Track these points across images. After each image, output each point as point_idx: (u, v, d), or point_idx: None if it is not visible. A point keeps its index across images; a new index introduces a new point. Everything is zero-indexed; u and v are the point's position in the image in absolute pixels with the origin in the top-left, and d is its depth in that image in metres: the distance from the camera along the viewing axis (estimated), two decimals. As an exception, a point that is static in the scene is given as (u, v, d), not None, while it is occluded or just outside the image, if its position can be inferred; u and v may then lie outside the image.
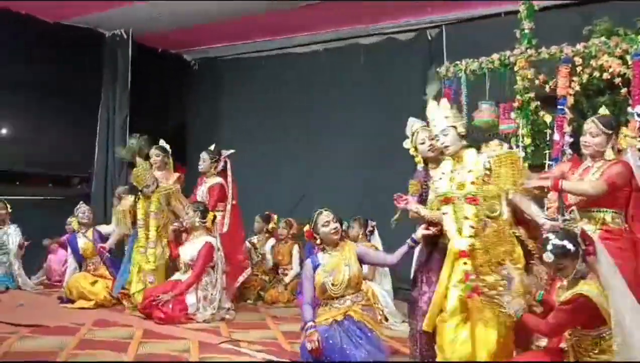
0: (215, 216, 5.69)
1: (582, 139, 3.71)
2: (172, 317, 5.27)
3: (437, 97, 4.19)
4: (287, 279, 6.57)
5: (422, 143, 4.16)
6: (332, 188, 7.31)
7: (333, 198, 7.07)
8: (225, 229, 5.94)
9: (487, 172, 3.56)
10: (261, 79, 8.12)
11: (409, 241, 3.84)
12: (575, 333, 3.10)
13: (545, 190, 3.65)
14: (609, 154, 3.58)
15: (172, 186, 6.00)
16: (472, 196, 3.54)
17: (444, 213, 3.66)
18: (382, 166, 6.95)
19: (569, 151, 4.77)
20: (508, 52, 5.16)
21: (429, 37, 6.83)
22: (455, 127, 3.74)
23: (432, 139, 4.05)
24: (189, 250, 5.59)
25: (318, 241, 3.99)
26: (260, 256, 6.79)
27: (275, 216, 6.97)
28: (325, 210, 4.00)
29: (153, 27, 7.64)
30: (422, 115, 6.63)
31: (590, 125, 3.66)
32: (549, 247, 3.09)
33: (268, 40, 7.97)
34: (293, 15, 7.08)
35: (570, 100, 4.82)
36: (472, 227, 3.50)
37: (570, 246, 3.05)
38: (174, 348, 4.50)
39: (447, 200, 3.64)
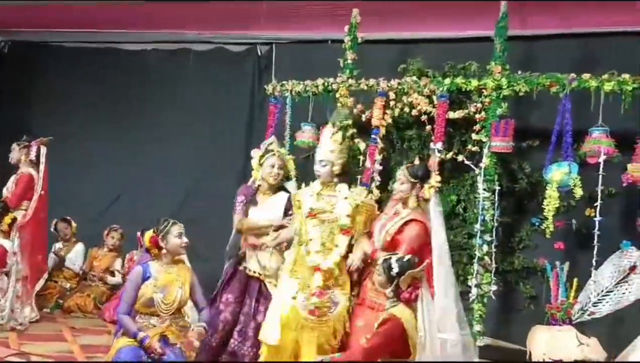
0: (14, 219, 5.20)
1: (394, 186, 4.06)
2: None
3: (340, 127, 4.30)
4: (110, 280, 6.26)
5: (271, 167, 4.33)
6: (151, 193, 7.08)
7: (151, 202, 6.87)
8: (23, 221, 5.45)
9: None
10: (84, 72, 7.58)
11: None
12: None
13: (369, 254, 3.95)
14: (412, 202, 3.90)
15: None
16: (347, 228, 3.84)
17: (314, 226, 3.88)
18: (206, 174, 6.89)
19: (377, 178, 5.11)
20: (331, 79, 5.41)
21: (259, 53, 6.93)
22: (332, 164, 3.95)
23: (281, 169, 4.33)
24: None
25: (163, 251, 3.79)
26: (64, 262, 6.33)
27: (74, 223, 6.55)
28: (178, 222, 3.87)
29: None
30: (247, 126, 6.82)
31: (399, 172, 4.02)
32: (382, 260, 3.45)
33: (94, 32, 7.49)
34: (123, 10, 6.76)
35: (383, 131, 5.18)
36: (341, 255, 3.81)
37: (394, 270, 3.35)
38: (-53, 363, 4.06)
39: (311, 215, 3.88)
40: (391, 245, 3.86)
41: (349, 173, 4.07)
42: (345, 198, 3.88)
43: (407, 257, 3.43)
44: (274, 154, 4.34)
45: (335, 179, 3.95)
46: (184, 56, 7.21)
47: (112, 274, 6.36)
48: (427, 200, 3.90)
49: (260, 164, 4.36)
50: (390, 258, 3.43)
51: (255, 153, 4.42)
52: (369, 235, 4.05)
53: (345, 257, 3.87)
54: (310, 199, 3.92)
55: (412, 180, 3.91)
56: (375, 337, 3.32)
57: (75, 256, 6.39)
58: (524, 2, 5.13)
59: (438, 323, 3.57)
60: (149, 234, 3.84)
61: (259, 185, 4.37)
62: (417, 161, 4.05)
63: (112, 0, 6.48)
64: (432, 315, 3.38)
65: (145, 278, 3.73)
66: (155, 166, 7.16)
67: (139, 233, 6.31)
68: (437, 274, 3.73)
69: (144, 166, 7.22)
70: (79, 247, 6.46)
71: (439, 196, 3.94)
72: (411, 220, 3.86)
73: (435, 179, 3.98)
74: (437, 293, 3.64)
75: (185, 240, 3.83)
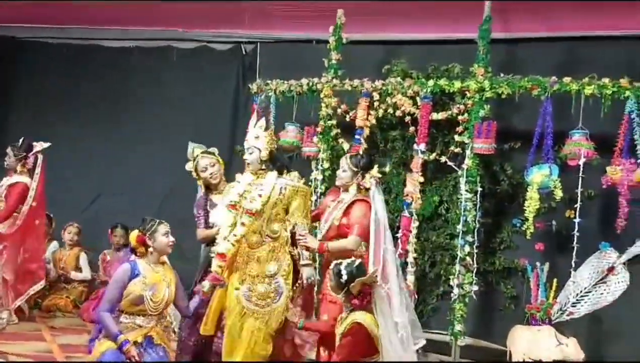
0: None
1: (337, 173, 4.12)
2: None
3: (264, 113, 4.26)
4: (75, 276, 6.16)
5: (204, 171, 4.32)
6: (134, 191, 7.01)
7: (133, 201, 6.81)
8: (12, 230, 5.37)
9: (281, 197, 3.86)
10: (65, 69, 7.49)
11: (201, 293, 3.87)
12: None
13: (315, 250, 3.96)
14: (353, 188, 3.96)
15: None
16: (252, 211, 3.79)
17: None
18: (189, 176, 6.83)
19: (361, 177, 5.15)
20: (316, 79, 5.42)
21: (244, 52, 6.91)
22: (259, 150, 3.87)
23: (214, 166, 4.32)
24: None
25: (150, 249, 3.75)
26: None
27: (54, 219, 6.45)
28: (164, 222, 3.85)
29: None
30: (231, 126, 6.80)
31: (342, 161, 4.06)
32: (333, 265, 3.48)
33: (76, 29, 7.42)
34: (106, 6, 6.70)
35: (367, 131, 5.21)
36: (235, 236, 3.78)
37: (343, 277, 3.40)
38: None
39: (232, 206, 3.88)
40: (339, 231, 3.90)
41: (279, 160, 3.98)
42: (274, 184, 3.86)
43: (356, 263, 3.46)
44: (199, 159, 4.34)
45: (264, 166, 3.93)
46: (167, 53, 7.16)
47: (80, 270, 6.27)
48: (367, 189, 3.93)
49: (196, 174, 4.36)
50: (340, 263, 3.47)
51: (188, 166, 4.44)
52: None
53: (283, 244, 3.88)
54: (234, 191, 3.93)
55: (354, 169, 3.94)
56: (342, 349, 3.37)
57: (48, 255, 6.26)
58: (507, 5, 5.19)
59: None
60: (135, 233, 3.81)
61: (206, 190, 4.38)
62: (360, 151, 4.09)
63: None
64: (387, 318, 3.41)
65: (133, 275, 3.69)
66: (137, 165, 7.10)
67: (109, 231, 6.27)
68: (372, 257, 3.75)
69: (126, 164, 7.15)
70: (52, 246, 6.35)
71: (380, 187, 3.99)
72: (355, 201, 3.91)
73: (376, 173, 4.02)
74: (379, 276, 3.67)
75: (172, 239, 3.81)
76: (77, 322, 5.66)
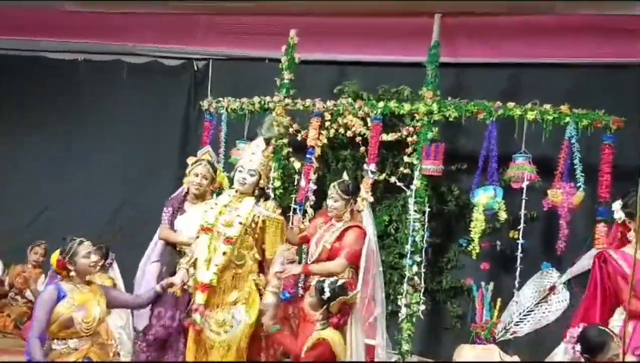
0: None
1: (327, 203, 4.08)
2: None
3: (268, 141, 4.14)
4: (28, 294, 5.87)
5: (195, 176, 4.28)
6: (82, 206, 6.82)
7: (82, 216, 6.61)
8: None
9: (253, 225, 3.76)
10: (12, 81, 7.25)
11: (158, 287, 3.77)
12: None
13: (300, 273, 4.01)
14: (347, 216, 3.99)
15: None
16: (229, 238, 3.69)
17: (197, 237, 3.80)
18: (139, 189, 6.71)
19: (312, 196, 5.18)
20: (268, 98, 5.44)
21: (196, 68, 6.84)
22: (260, 176, 3.80)
23: (206, 179, 4.25)
24: None
25: (72, 273, 3.54)
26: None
27: None
28: (86, 240, 3.62)
29: None
30: (181, 142, 6.71)
31: (332, 191, 4.02)
32: (315, 282, 3.53)
33: (23, 40, 7.19)
34: (52, 16, 6.56)
35: (318, 151, 5.25)
36: (217, 265, 3.66)
37: (326, 294, 3.40)
38: None
39: (206, 229, 3.75)
40: (331, 254, 3.91)
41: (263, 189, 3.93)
42: (250, 211, 3.74)
43: (340, 282, 3.50)
44: (201, 164, 4.29)
45: (257, 193, 3.83)
46: (117, 67, 7.02)
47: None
48: (360, 211, 3.98)
49: (188, 173, 4.33)
50: (323, 281, 3.50)
51: (190, 160, 4.41)
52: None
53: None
54: (211, 212, 3.78)
55: (345, 197, 3.97)
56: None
57: None
58: (455, 31, 5.33)
59: (369, 330, 3.64)
60: (55, 256, 3.63)
61: (186, 193, 4.35)
62: (345, 177, 4.11)
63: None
64: (359, 338, 3.45)
65: (60, 297, 3.47)
66: (87, 179, 6.90)
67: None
68: (363, 279, 3.78)
69: (75, 178, 6.95)
70: None
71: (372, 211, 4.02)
72: (350, 227, 3.94)
73: (366, 195, 4.08)
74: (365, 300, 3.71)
75: (94, 258, 3.59)
76: (18, 343, 5.42)
